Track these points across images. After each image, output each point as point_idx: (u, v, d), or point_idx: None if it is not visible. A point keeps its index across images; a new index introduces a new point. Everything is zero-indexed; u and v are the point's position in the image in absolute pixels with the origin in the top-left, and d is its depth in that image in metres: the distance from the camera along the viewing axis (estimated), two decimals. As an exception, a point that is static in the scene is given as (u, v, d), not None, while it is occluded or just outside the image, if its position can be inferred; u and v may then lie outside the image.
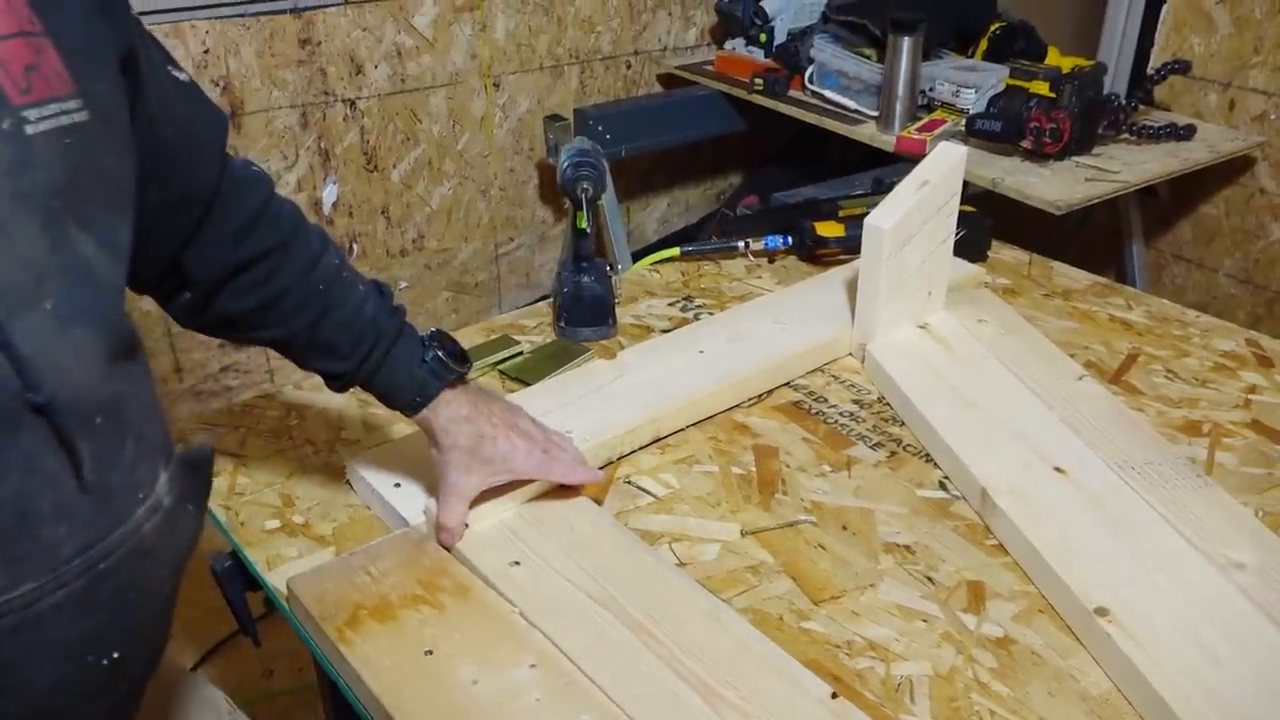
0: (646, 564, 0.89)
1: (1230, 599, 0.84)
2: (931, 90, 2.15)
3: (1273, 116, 2.12)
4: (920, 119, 2.11)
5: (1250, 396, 1.18)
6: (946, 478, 1.04)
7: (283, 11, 2.08)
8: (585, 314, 1.28)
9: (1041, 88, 1.92)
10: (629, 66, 2.62)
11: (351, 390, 0.91)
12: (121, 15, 0.68)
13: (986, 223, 1.48)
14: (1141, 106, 2.07)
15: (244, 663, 1.75)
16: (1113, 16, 2.40)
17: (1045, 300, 1.39)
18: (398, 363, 0.88)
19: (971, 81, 2.11)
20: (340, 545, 0.95)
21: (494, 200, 2.52)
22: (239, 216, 0.83)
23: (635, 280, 1.45)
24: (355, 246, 2.34)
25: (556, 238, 2.66)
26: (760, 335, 1.23)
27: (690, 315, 1.35)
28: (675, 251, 1.49)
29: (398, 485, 0.98)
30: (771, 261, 1.50)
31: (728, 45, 2.56)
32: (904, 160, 2.02)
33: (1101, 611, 0.83)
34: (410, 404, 0.89)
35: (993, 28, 2.30)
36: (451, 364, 0.89)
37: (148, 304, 0.87)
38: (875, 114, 2.17)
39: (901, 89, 2.08)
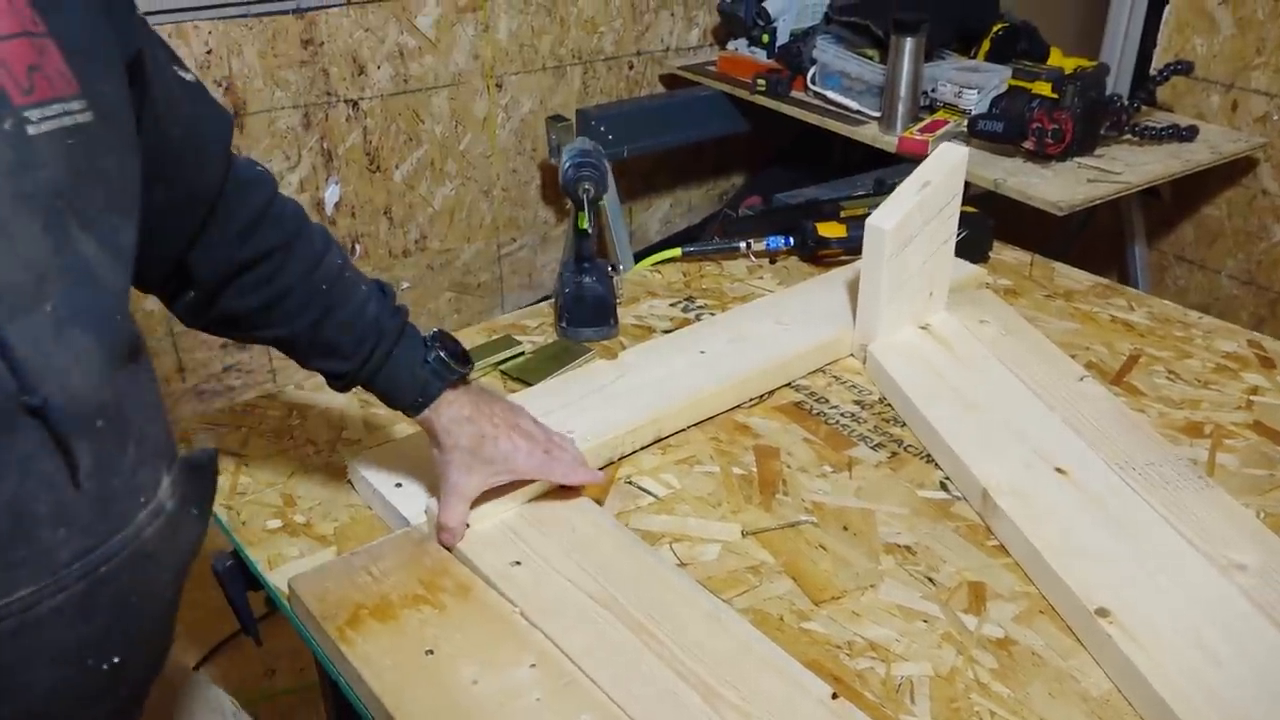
0: (647, 564, 0.89)
1: (1231, 600, 0.84)
2: (934, 91, 2.15)
3: (1275, 118, 2.12)
4: (922, 120, 2.11)
5: (1252, 398, 1.18)
6: (947, 478, 1.04)
7: (285, 12, 2.08)
8: (587, 314, 1.28)
9: (1044, 88, 1.92)
10: (631, 67, 2.62)
11: (353, 390, 0.91)
12: (125, 16, 0.67)
13: (988, 223, 1.48)
14: (1144, 107, 2.07)
15: (246, 662, 1.75)
16: (1115, 17, 2.40)
17: (1047, 301, 1.39)
18: (400, 363, 0.88)
19: (974, 82, 2.11)
20: (341, 545, 0.95)
21: (496, 201, 2.52)
22: (243, 216, 0.83)
23: (637, 280, 1.45)
24: (358, 247, 2.35)
25: (558, 238, 2.66)
26: (762, 336, 1.23)
27: (692, 316, 1.35)
28: (677, 252, 1.49)
29: (399, 485, 0.98)
30: (773, 262, 1.50)
31: (730, 46, 2.56)
32: (906, 161, 2.02)
33: (1102, 612, 0.83)
34: (412, 404, 0.89)
35: (995, 28, 2.29)
36: (453, 364, 0.89)
37: (150, 303, 0.88)
38: (877, 115, 2.17)
39: (904, 90, 2.08)
